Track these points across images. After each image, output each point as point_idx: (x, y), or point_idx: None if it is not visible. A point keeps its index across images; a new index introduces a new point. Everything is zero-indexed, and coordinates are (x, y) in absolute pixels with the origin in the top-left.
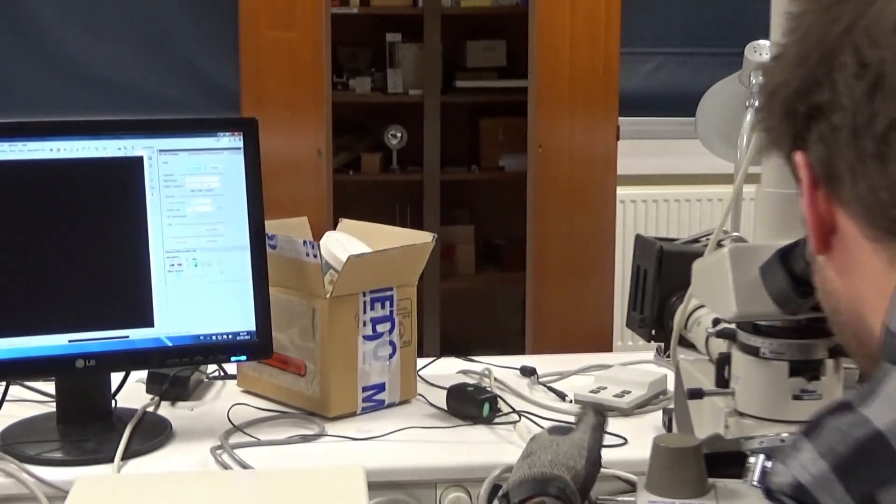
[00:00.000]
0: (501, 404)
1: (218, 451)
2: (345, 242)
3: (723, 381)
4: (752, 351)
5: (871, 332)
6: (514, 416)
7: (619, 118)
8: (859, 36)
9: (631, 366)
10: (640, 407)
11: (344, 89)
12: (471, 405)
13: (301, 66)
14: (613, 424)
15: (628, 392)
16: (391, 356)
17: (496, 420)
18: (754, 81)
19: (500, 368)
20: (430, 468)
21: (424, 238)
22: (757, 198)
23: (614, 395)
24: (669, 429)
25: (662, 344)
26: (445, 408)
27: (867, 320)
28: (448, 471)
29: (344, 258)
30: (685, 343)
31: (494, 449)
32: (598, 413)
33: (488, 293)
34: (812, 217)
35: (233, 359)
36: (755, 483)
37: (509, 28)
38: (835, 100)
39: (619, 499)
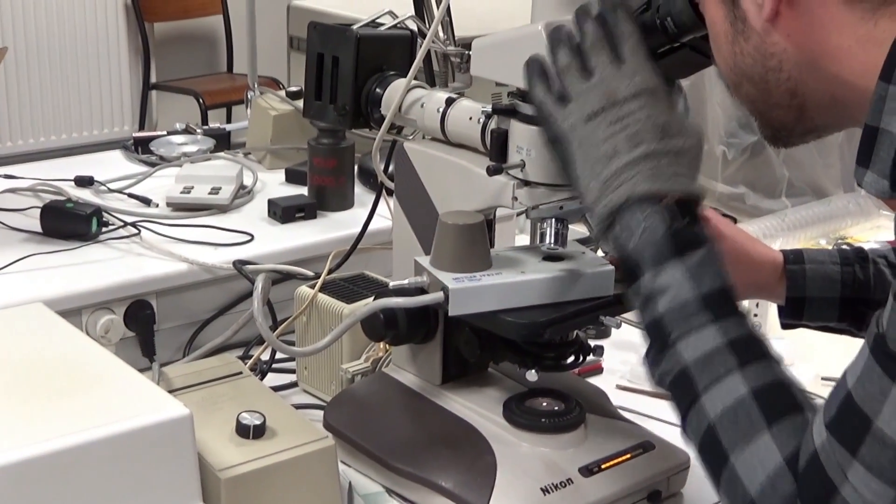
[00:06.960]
0: (108, 217)
1: None
2: None
3: (501, 156)
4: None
5: (841, 80)
6: (130, 230)
7: None
8: None
9: (200, 163)
10: (237, 200)
11: None
12: (77, 223)
13: None
14: (218, 221)
15: (219, 189)
16: None
17: (106, 236)
18: None
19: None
20: (70, 296)
21: None
22: None
23: (209, 194)
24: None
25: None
26: (40, 230)
27: (833, 71)
28: (90, 295)
29: None
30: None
31: (124, 264)
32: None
33: None
34: None
35: None
36: (551, 246)
37: None
38: None
39: (413, 280)
